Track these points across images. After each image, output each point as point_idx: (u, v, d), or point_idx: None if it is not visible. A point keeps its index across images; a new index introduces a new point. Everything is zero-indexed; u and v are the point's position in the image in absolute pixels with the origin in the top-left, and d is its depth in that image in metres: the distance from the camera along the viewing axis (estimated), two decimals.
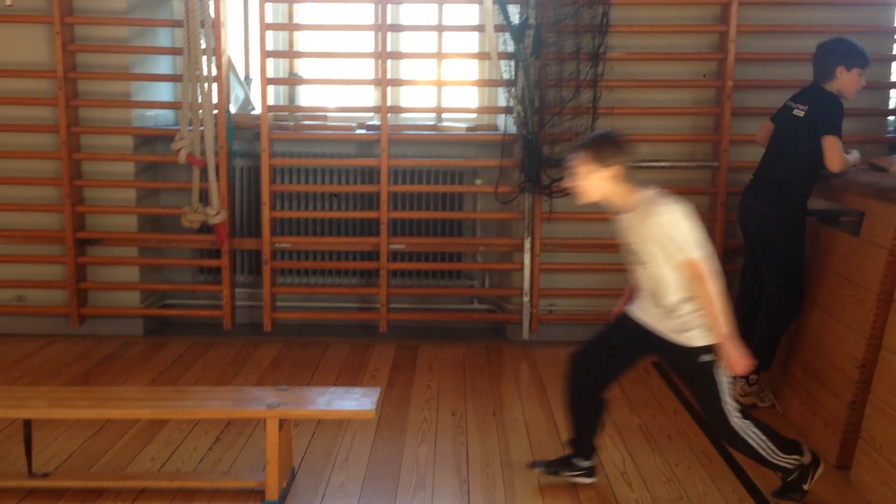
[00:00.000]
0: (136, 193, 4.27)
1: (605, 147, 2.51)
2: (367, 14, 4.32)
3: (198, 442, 3.00)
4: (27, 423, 2.62)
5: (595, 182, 2.51)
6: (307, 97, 4.61)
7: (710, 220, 4.04)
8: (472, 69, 4.44)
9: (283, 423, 2.57)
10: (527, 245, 4.15)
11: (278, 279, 4.37)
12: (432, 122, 4.39)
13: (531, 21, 3.87)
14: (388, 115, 4.10)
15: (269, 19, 4.16)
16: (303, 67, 4.54)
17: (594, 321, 4.19)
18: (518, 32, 3.87)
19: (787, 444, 2.61)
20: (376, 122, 4.19)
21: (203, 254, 4.38)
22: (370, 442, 3.05)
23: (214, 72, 4.00)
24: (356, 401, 2.64)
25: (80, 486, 2.63)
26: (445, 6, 4.24)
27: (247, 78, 4.52)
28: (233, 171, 4.18)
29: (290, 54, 4.44)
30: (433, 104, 4.42)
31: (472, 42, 4.35)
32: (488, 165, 4.20)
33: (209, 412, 2.74)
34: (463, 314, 4.44)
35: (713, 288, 2.40)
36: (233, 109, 4.27)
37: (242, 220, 4.37)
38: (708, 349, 2.48)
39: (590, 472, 2.77)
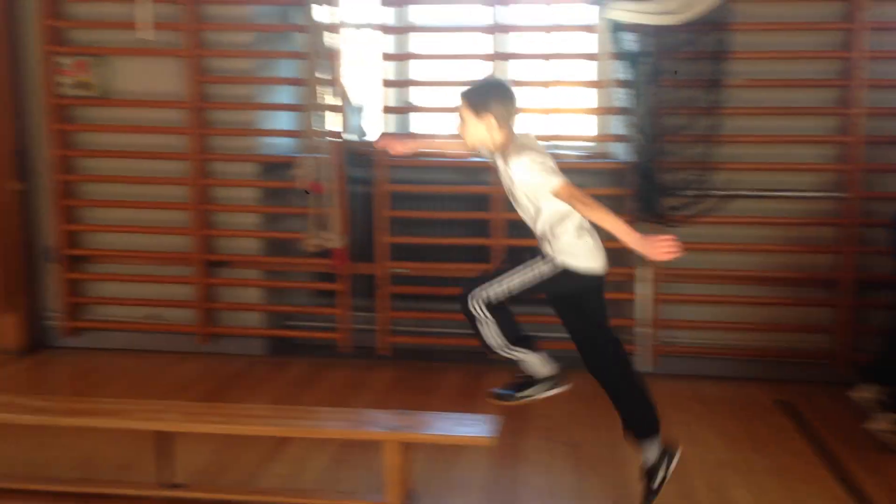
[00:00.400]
0: (259, 218, 4.45)
1: (483, 96, 2.65)
2: (480, 41, 4.39)
3: (319, 461, 3.09)
4: (163, 436, 2.76)
5: (472, 128, 2.66)
6: (419, 124, 4.70)
7: (835, 253, 3.93)
8: (585, 97, 4.45)
9: (403, 445, 2.63)
10: (643, 275, 4.11)
11: (394, 304, 4.45)
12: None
13: (647, 48, 3.86)
14: None
15: (385, 50, 4.28)
16: (415, 96, 4.64)
17: (717, 355, 4.15)
18: (635, 60, 3.86)
19: (519, 339, 2.66)
20: None
21: (321, 277, 4.52)
22: (486, 470, 3.07)
23: (333, 101, 4.14)
24: (474, 427, 2.67)
25: (211, 497, 2.76)
26: (558, 34, 4.27)
27: (361, 106, 4.66)
28: (351, 196, 4.30)
29: (409, 83, 4.55)
30: (545, 132, 4.44)
31: (584, 70, 4.35)
32: (600, 194, 4.17)
33: (332, 432, 2.82)
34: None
35: (591, 200, 2.52)
36: (349, 137, 4.40)
37: (359, 245, 4.48)
38: (553, 262, 2.61)
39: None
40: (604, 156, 4.33)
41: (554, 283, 2.65)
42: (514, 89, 2.71)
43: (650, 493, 2.63)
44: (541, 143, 2.76)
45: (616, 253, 4.24)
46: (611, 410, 3.62)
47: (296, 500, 2.74)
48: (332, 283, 4.37)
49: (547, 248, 2.66)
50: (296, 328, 4.59)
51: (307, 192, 4.15)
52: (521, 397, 2.74)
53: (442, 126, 4.58)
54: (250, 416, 2.89)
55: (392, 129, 4.45)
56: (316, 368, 4.25)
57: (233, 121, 4.40)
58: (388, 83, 4.28)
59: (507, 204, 4.21)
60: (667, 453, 2.64)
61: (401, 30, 4.44)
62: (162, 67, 4.35)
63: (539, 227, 2.66)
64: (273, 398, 3.78)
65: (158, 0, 4.21)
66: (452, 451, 3.18)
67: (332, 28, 4.18)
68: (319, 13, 4.22)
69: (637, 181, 3.98)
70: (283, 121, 4.58)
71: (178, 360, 4.34)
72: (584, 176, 4.27)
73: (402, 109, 4.57)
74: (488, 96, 2.65)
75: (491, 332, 2.66)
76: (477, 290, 2.64)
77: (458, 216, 4.36)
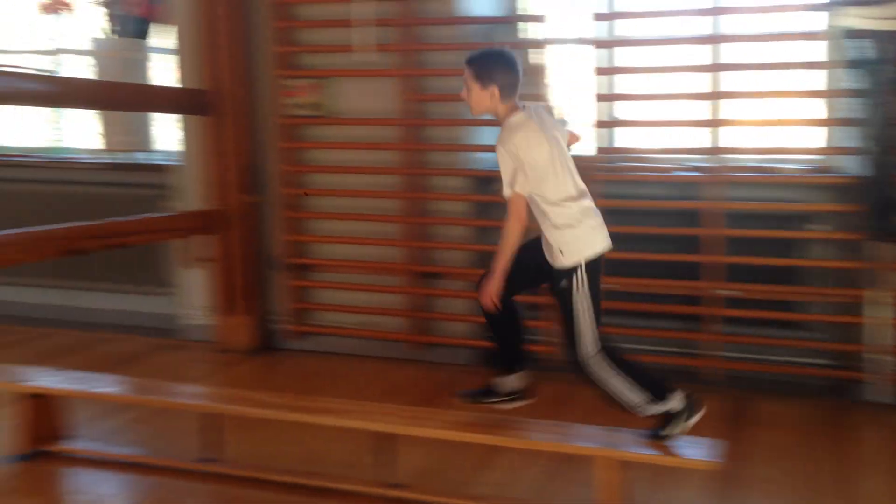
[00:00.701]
0: (469, 231, 4.56)
1: (488, 66, 2.62)
2: (696, 53, 4.28)
3: (531, 472, 3.12)
4: (383, 436, 2.89)
5: (476, 97, 2.65)
6: (625, 139, 4.64)
7: None
8: (810, 108, 4.22)
9: (619, 463, 2.60)
10: (880, 297, 3.82)
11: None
12: (755, 164, 4.22)
13: (885, 56, 3.62)
14: (716, 156, 4.03)
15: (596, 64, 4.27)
16: (627, 110, 4.59)
17: None
18: (871, 68, 3.63)
19: (654, 385, 2.56)
20: (698, 163, 4.13)
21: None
22: (708, 495, 2.96)
23: None
24: (697, 450, 2.59)
25: (431, 500, 2.85)
26: (779, 43, 4.09)
27: (566, 122, 4.66)
28: None
29: (620, 97, 4.51)
30: (767, 144, 4.26)
31: (808, 79, 4.13)
32: (827, 210, 3.95)
33: (545, 444, 2.84)
34: (798, 367, 4.13)
35: (512, 228, 2.62)
36: None
37: None
38: (565, 273, 2.61)
39: (516, 396, 2.83)
40: (831, 170, 4.09)
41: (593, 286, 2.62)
42: (519, 61, 2.68)
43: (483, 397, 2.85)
44: (556, 119, 2.77)
45: (844, 274, 4.04)
46: (837, 441, 3.41)
47: None
48: (537, 296, 4.39)
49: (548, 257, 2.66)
50: None
51: None
52: (666, 435, 2.62)
53: (654, 140, 4.52)
54: (466, 423, 2.96)
55: (603, 143, 4.43)
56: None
57: (444, 137, 4.55)
58: (600, 97, 4.27)
59: (720, 219, 4.12)
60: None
61: (612, 43, 4.42)
62: (379, 87, 4.57)
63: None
64: (483, 407, 3.84)
65: (376, 24, 4.45)
66: (668, 473, 3.09)
67: (541, 44, 4.23)
68: (528, 30, 4.29)
69: (870, 196, 3.73)
70: (492, 136, 4.66)
71: (392, 366, 4.53)
72: (809, 191, 4.08)
73: (613, 124, 4.54)
74: (494, 66, 2.62)
75: (623, 388, 2.60)
76: (577, 344, 2.62)
77: (666, 231, 4.27)
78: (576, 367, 2.66)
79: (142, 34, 5.05)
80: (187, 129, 4.89)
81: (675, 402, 2.58)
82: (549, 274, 2.68)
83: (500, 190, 4.12)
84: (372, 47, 4.43)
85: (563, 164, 2.67)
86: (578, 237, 2.63)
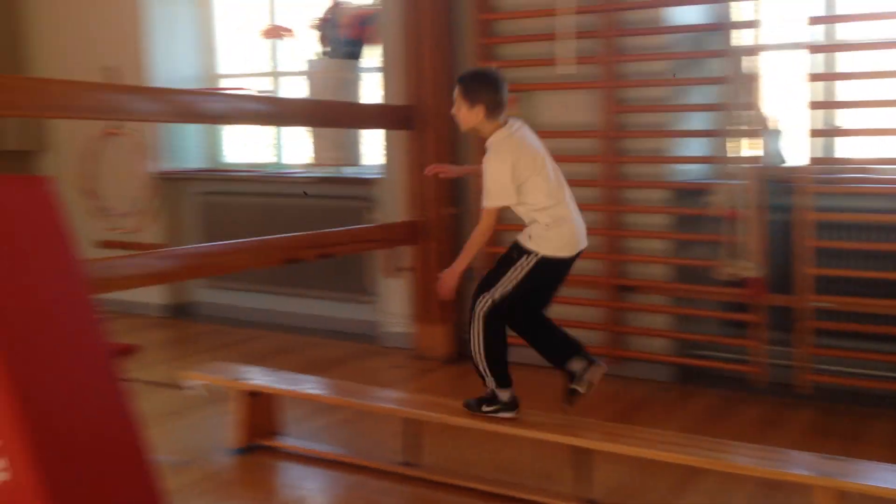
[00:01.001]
0: (670, 245, 4.44)
1: (474, 84, 2.81)
2: None
3: (736, 499, 2.98)
4: (580, 451, 2.86)
5: (464, 115, 2.84)
6: (845, 148, 4.34)
7: None
8: None
9: (838, 493, 2.42)
10: None
11: (816, 339, 4.14)
12: None
13: None
14: None
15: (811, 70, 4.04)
16: (844, 118, 4.30)
17: None
18: None
19: (502, 372, 2.90)
20: None
21: (733, 307, 4.35)
22: None
23: (751, 126, 4.00)
24: None
25: None
26: None
27: (779, 131, 4.43)
28: (769, 224, 4.11)
29: (837, 105, 4.24)
30: None
31: None
32: None
33: (754, 469, 2.68)
34: None
35: (479, 236, 2.88)
36: (768, 163, 4.21)
37: (777, 275, 4.25)
38: (523, 250, 2.84)
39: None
40: None
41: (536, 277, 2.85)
42: (505, 83, 2.84)
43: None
44: (529, 139, 2.88)
45: None
46: None
47: None
48: (744, 313, 4.19)
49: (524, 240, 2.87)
50: (705, 357, 4.47)
51: (722, 219, 4.05)
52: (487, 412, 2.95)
53: (873, 149, 4.20)
54: (665, 442, 2.87)
55: (818, 153, 4.17)
56: (726, 401, 4.10)
57: (645, 148, 4.46)
58: (814, 105, 4.03)
59: None
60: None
61: (828, 48, 4.16)
62: (578, 99, 4.55)
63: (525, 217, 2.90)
64: (681, 427, 3.72)
65: (578, 36, 4.43)
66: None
67: (752, 51, 4.05)
68: (739, 37, 4.12)
69: None
70: (697, 147, 4.53)
71: None
72: None
73: (830, 133, 4.27)
74: (481, 87, 2.80)
75: (485, 342, 2.88)
76: (483, 300, 2.88)
77: (892, 248, 3.94)
78: (471, 309, 2.91)
79: (353, 55, 5.33)
80: (390, 144, 5.09)
81: (507, 396, 2.94)
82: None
83: (705, 202, 4.01)
84: (573, 60, 4.43)
85: (547, 173, 2.87)
86: (549, 238, 2.85)
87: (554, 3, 4.43)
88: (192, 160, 6.20)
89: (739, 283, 4.09)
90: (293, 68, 5.98)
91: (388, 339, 5.23)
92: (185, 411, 3.96)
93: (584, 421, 3.07)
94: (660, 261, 4.44)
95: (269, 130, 6.08)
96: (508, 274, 2.89)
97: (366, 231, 4.73)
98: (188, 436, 3.69)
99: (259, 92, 5.84)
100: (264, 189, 5.89)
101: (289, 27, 5.77)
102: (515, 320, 2.99)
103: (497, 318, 2.90)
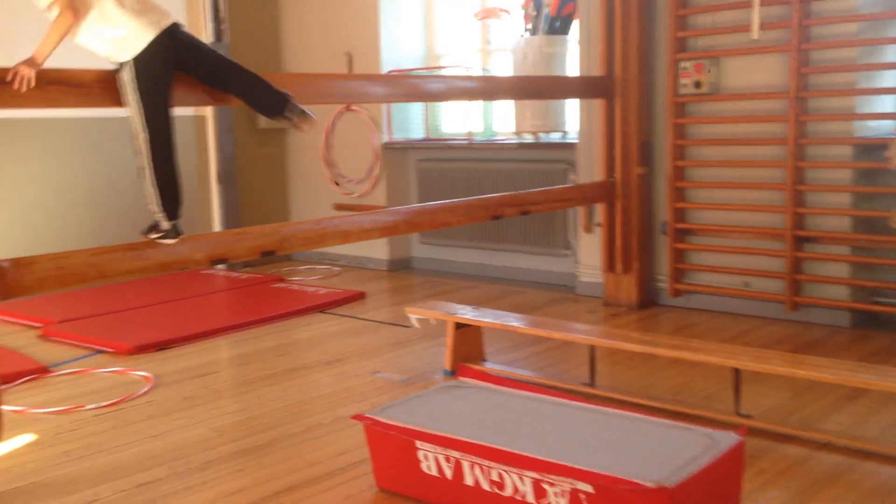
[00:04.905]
0: (851, 197, 4.63)
1: None
2: None
3: (884, 418, 3.28)
4: (737, 372, 3.28)
5: None
6: None
7: None
8: None
9: None
10: None
11: None
12: None
13: None
14: None
15: None
16: None
17: None
18: None
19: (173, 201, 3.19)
20: None
21: None
22: None
23: None
24: None
25: (773, 429, 3.19)
26: None
27: None
28: None
29: None
30: None
31: None
32: None
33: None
34: None
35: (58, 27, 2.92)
36: None
37: None
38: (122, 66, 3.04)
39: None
40: None
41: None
42: None
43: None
44: None
45: None
46: None
47: (850, 441, 3.02)
48: None
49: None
50: (882, 304, 4.65)
51: None
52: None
53: None
54: (818, 366, 3.19)
55: None
56: None
57: (831, 107, 4.65)
58: None
59: None
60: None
61: None
62: (766, 63, 4.81)
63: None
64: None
65: (767, 3, 4.69)
66: None
67: None
68: None
69: None
70: (885, 104, 4.65)
71: (764, 324, 4.80)
72: None
73: None
74: None
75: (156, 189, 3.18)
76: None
77: None
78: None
79: (558, 31, 5.86)
80: (584, 111, 5.58)
81: (167, 225, 3.21)
82: None
83: (884, 157, 4.16)
84: (763, 25, 4.69)
85: None
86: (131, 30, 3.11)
87: None
88: (413, 132, 7.02)
89: None
90: (502, 46, 6.58)
91: (583, 287, 5.77)
92: (407, 343, 4.72)
93: (743, 349, 3.48)
94: (839, 213, 4.65)
95: (480, 104, 6.74)
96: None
97: (561, 191, 5.27)
98: (411, 361, 4.40)
99: (470, 70, 6.52)
100: (475, 155, 6.58)
101: (504, 7, 6.36)
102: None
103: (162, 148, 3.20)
